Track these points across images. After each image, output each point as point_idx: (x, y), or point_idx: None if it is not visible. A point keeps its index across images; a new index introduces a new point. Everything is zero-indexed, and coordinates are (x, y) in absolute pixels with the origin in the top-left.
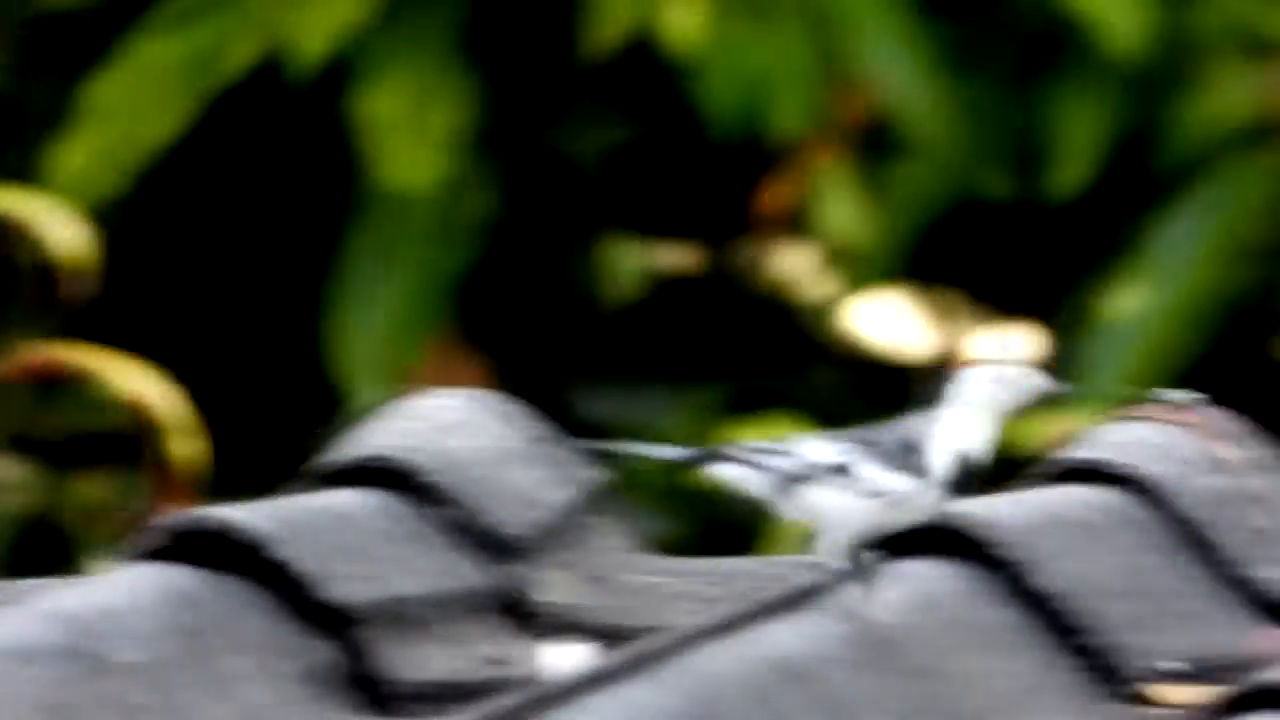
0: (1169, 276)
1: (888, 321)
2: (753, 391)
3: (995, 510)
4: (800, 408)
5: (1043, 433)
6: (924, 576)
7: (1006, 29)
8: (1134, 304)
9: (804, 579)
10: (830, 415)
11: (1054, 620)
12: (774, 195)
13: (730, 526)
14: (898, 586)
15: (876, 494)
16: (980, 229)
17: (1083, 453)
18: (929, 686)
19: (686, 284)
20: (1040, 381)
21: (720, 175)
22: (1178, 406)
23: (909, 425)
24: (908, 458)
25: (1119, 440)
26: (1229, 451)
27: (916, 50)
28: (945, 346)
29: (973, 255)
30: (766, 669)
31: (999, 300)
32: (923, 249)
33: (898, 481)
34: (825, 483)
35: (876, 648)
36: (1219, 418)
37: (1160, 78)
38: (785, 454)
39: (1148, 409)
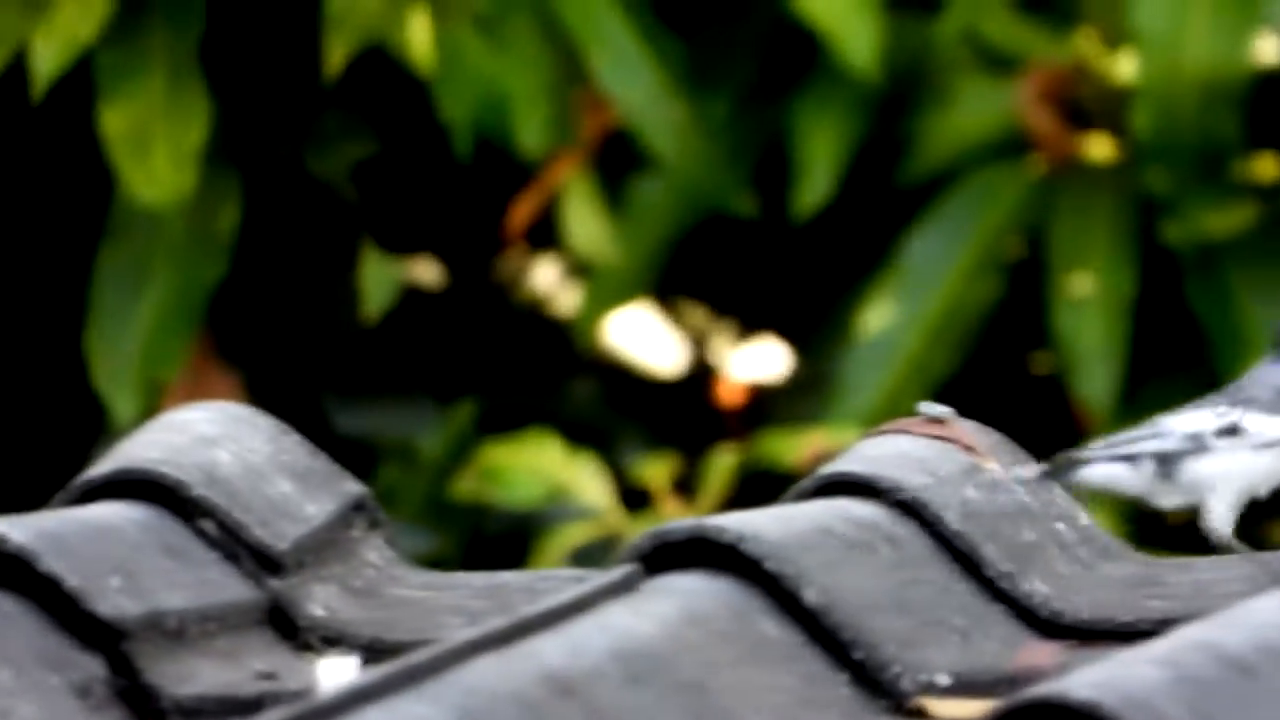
0: (921, 291)
1: (640, 336)
2: (509, 406)
3: (761, 524)
4: (556, 422)
5: (804, 447)
6: (692, 590)
7: (749, 45)
8: (887, 319)
9: (572, 593)
10: (585, 430)
11: (822, 635)
12: (521, 211)
13: (498, 540)
14: (666, 600)
15: (1271, 444)
16: (731, 245)
17: (845, 467)
18: (698, 701)
19: (442, 298)
20: None
21: (473, 190)
22: (938, 420)
23: (1267, 372)
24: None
25: (881, 455)
26: (991, 465)
27: (655, 66)
28: (698, 362)
29: (724, 271)
30: (536, 683)
31: (752, 316)
32: (674, 264)
33: None
34: (1214, 449)
35: (645, 661)
36: (980, 431)
37: (904, 92)
38: (1155, 436)
39: (908, 423)
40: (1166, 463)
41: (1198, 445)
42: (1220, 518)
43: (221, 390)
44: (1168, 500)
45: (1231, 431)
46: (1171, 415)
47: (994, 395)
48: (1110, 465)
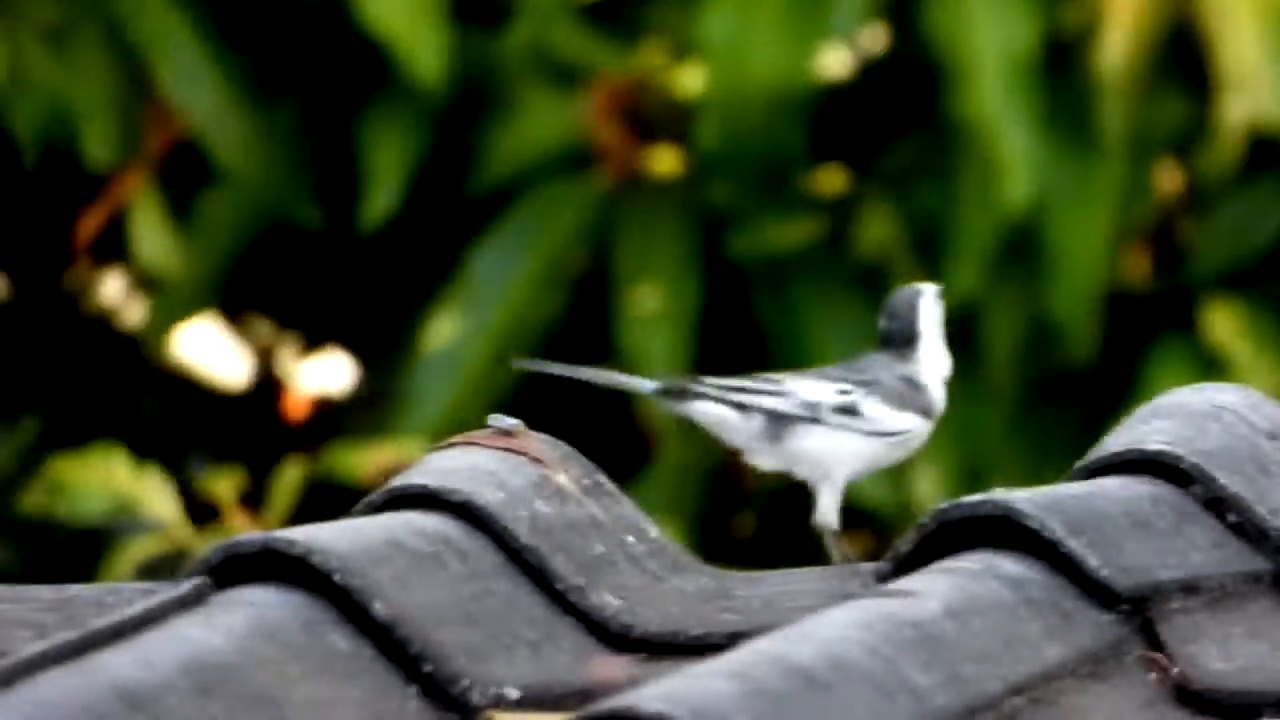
0: (487, 304)
1: (208, 350)
2: (76, 420)
3: (331, 537)
4: (123, 436)
5: (373, 460)
6: (262, 603)
7: (316, 57)
8: (454, 332)
9: (141, 606)
10: (153, 444)
11: (392, 648)
12: (89, 223)
13: (65, 553)
14: (235, 613)
15: (882, 434)
16: (299, 258)
17: (415, 480)
18: (269, 714)
19: (7, 311)
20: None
21: (41, 203)
22: (507, 433)
23: (905, 362)
24: (914, 396)
25: (451, 468)
26: (560, 478)
27: (221, 79)
28: (265, 374)
29: (292, 284)
30: (106, 696)
31: (320, 329)
32: (242, 277)
33: (904, 420)
34: (826, 423)
35: (215, 674)
36: (549, 444)
37: (472, 104)
38: (776, 393)
39: (478, 436)
40: (777, 423)
41: (812, 415)
42: (829, 510)
43: None
44: (765, 461)
45: (849, 411)
46: (795, 376)
47: (563, 409)
48: (721, 408)
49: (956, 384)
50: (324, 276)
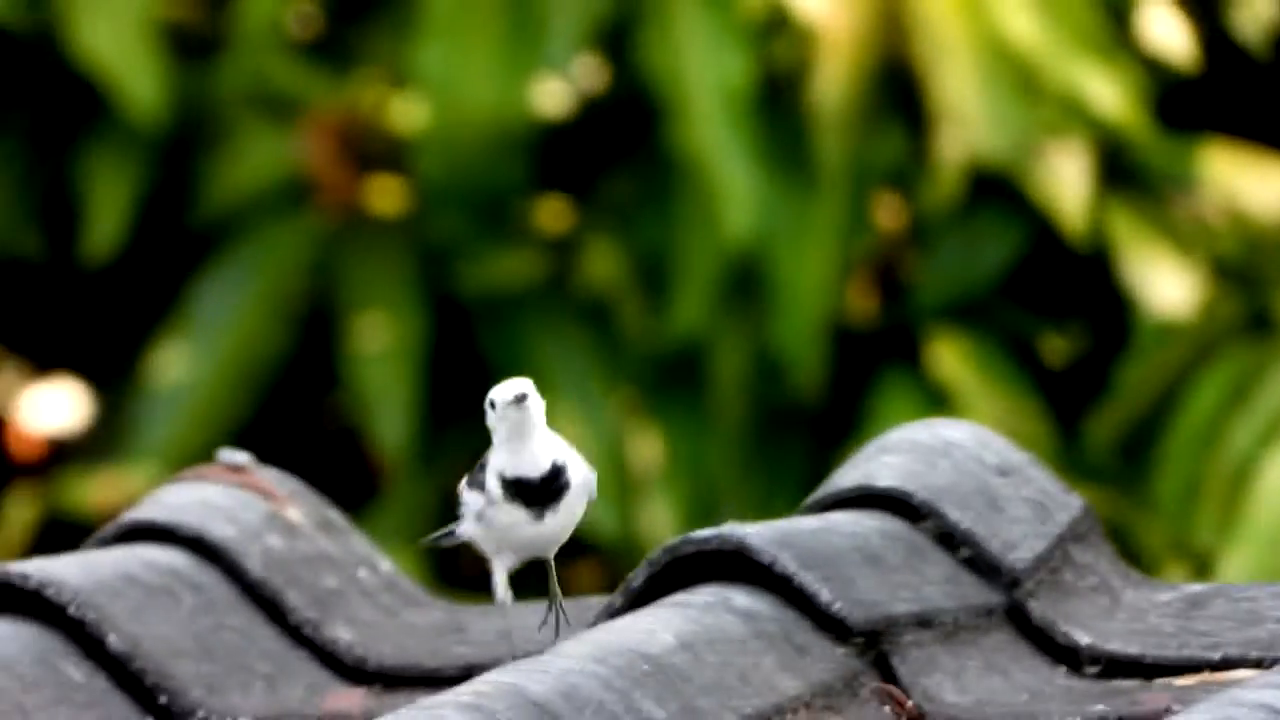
0: (213, 337)
1: None
2: None
3: (64, 571)
4: None
5: (103, 492)
6: None
7: (32, 90)
8: (180, 364)
9: None
10: None
11: (128, 680)
12: None
13: None
14: None
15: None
16: (26, 287)
17: (147, 514)
18: None
19: None
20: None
21: None
22: (237, 468)
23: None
24: (478, 476)
25: (182, 502)
26: (290, 512)
27: None
28: None
29: (18, 314)
30: None
31: (47, 359)
32: None
33: (472, 498)
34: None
35: None
36: (280, 478)
37: (188, 139)
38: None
39: (208, 470)
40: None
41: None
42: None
43: None
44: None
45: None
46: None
47: (292, 442)
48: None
49: (685, 417)
50: (52, 307)
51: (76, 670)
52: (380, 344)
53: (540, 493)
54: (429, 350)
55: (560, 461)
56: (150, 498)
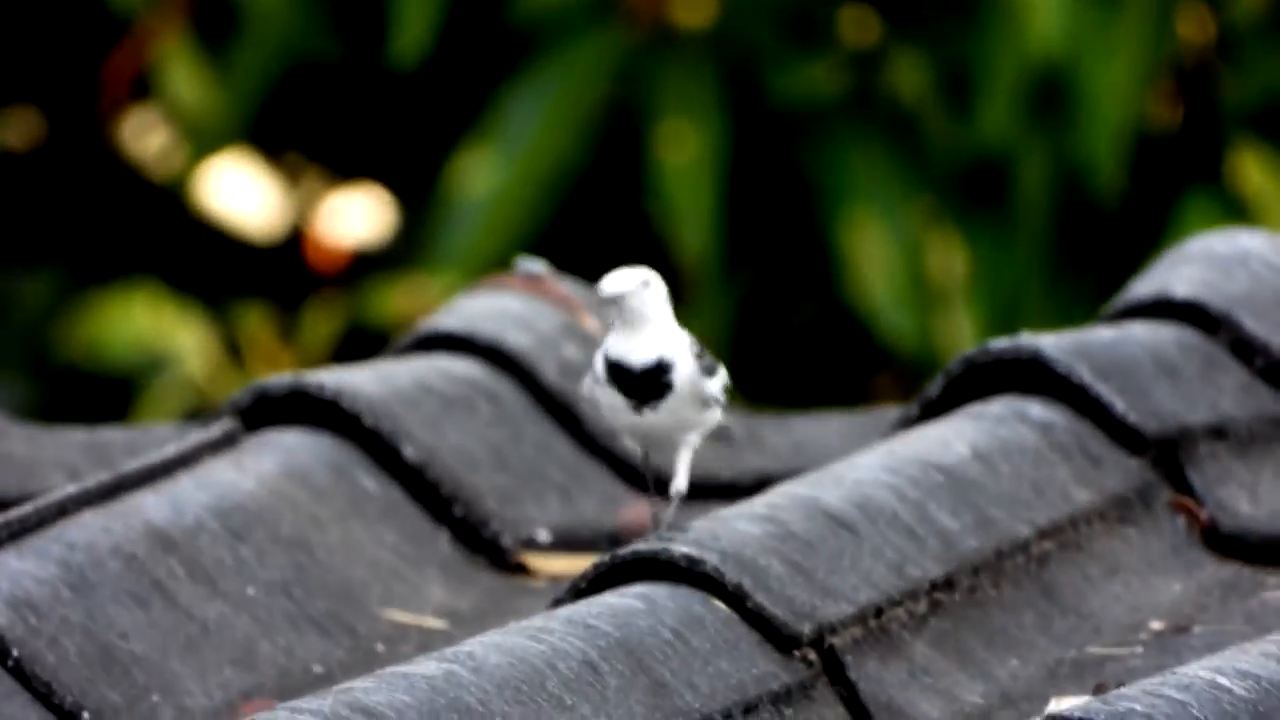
0: (517, 146)
1: (238, 189)
2: (110, 261)
3: (360, 380)
4: (156, 277)
5: (403, 304)
6: (291, 446)
7: None
8: (484, 173)
9: (173, 449)
10: (186, 285)
11: (422, 491)
12: (119, 66)
13: (98, 395)
14: (266, 456)
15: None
16: (331, 96)
17: (444, 323)
18: (300, 556)
19: (37, 155)
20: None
21: (70, 47)
22: (535, 277)
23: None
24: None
25: (480, 311)
26: (590, 322)
27: None
28: (296, 214)
29: (325, 124)
30: (138, 538)
31: (352, 169)
32: (273, 117)
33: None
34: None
35: (246, 517)
36: (577, 287)
37: None
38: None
39: (505, 279)
40: None
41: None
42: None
43: None
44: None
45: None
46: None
47: (592, 252)
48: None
49: (986, 227)
50: (358, 117)
51: (371, 481)
52: (685, 153)
53: (638, 385)
54: (733, 161)
55: (667, 359)
56: (448, 307)
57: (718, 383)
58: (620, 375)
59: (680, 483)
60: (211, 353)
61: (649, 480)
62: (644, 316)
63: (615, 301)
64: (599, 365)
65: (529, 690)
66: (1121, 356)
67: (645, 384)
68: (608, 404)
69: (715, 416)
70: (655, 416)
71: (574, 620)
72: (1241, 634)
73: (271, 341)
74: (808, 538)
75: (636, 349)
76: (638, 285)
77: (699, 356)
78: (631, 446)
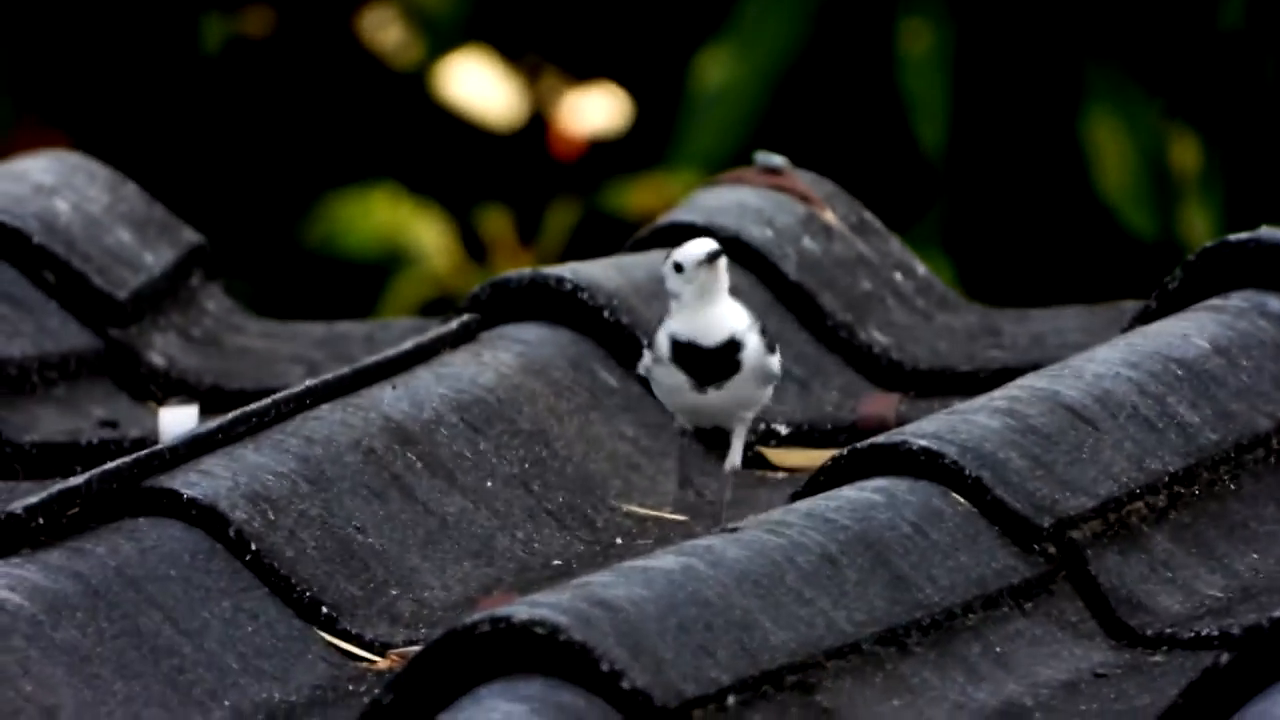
0: (756, 41)
1: (477, 85)
2: (353, 159)
3: (599, 274)
4: (397, 173)
5: (643, 198)
6: (530, 340)
7: None
8: (722, 69)
9: (412, 342)
10: (426, 180)
11: None
12: None
13: (338, 290)
14: (504, 349)
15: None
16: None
17: (683, 216)
18: (539, 449)
19: (277, 47)
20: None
21: None
22: (774, 170)
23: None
24: (654, 333)
25: (719, 205)
26: (829, 215)
27: None
28: (534, 110)
29: (563, 20)
30: (377, 431)
31: (591, 65)
32: (513, 13)
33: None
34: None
35: (485, 410)
36: (815, 181)
37: None
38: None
39: (744, 173)
40: None
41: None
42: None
43: (52, 143)
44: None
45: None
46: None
47: (831, 148)
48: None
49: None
50: (597, 11)
51: (610, 375)
52: (922, 49)
53: (709, 363)
54: (967, 58)
55: (739, 336)
56: (687, 201)
57: (777, 359)
58: (690, 355)
59: (735, 459)
60: (452, 249)
61: (681, 475)
62: (717, 291)
63: (711, 261)
64: (662, 344)
65: (767, 584)
66: None
67: (716, 363)
68: (667, 384)
69: (769, 394)
70: (717, 395)
71: (813, 514)
72: None
73: (511, 238)
74: (1047, 431)
75: (706, 328)
76: (720, 256)
77: (762, 333)
78: (682, 427)
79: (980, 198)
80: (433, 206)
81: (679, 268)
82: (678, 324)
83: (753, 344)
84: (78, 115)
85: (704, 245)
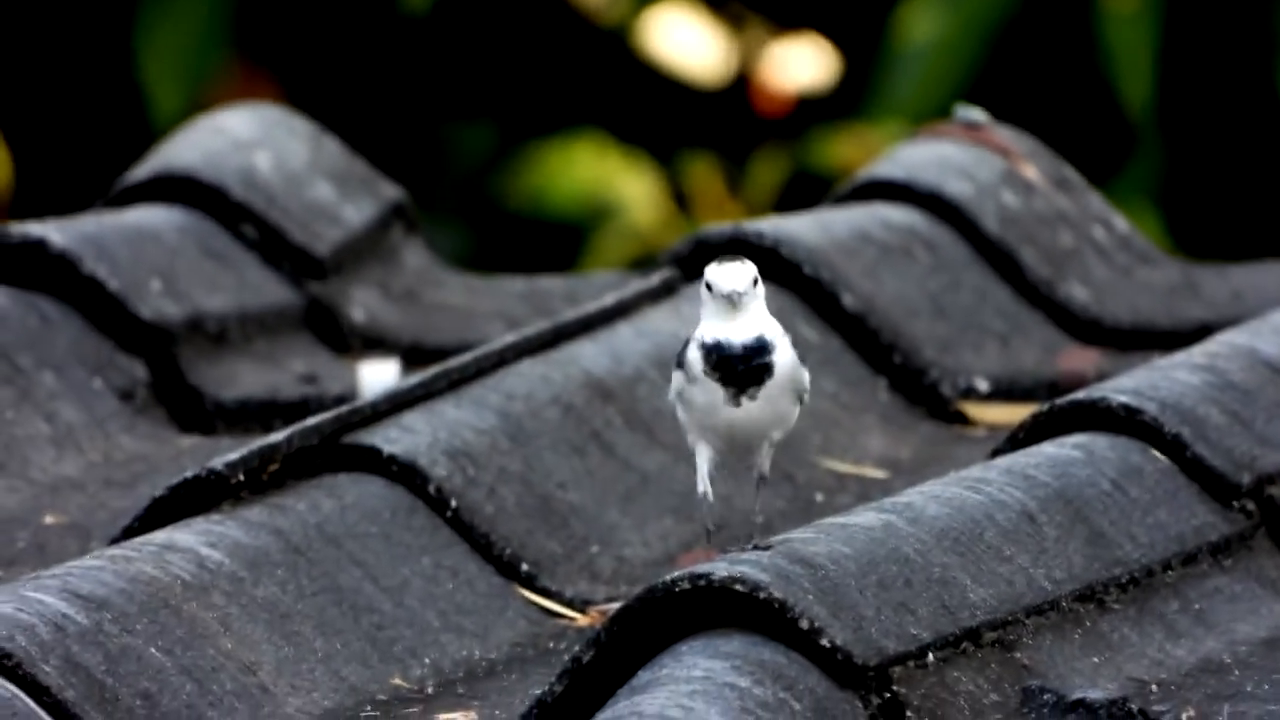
0: None
1: (682, 36)
2: (554, 109)
3: (799, 229)
4: (601, 125)
5: (847, 152)
6: None
7: None
8: (927, 23)
9: (612, 297)
10: (631, 133)
11: (861, 339)
12: None
13: (542, 243)
14: None
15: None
16: None
17: (883, 171)
18: None
19: (479, 4)
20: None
21: None
22: (974, 125)
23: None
24: (681, 353)
25: (919, 159)
26: (1029, 170)
27: None
28: (739, 61)
29: None
30: (577, 387)
31: (795, 19)
32: None
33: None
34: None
35: None
36: (1015, 136)
37: None
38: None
39: (944, 128)
40: None
41: None
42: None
43: (261, 94)
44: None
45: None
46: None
47: (1033, 102)
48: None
49: None
50: None
51: (810, 329)
52: (1131, 6)
53: (741, 362)
54: (1175, 13)
55: (768, 339)
56: (888, 155)
57: (806, 374)
58: (721, 357)
59: (764, 466)
60: (658, 202)
61: (707, 522)
62: (748, 309)
63: (730, 297)
64: (694, 359)
65: (967, 541)
66: None
67: (747, 363)
68: (703, 401)
69: (797, 414)
70: (752, 407)
71: (1013, 470)
72: None
73: (718, 190)
74: (1246, 387)
75: (735, 330)
76: (751, 281)
77: (794, 345)
78: (704, 464)
79: (1188, 151)
80: (639, 160)
81: (709, 288)
82: (705, 332)
83: (785, 349)
84: (287, 63)
85: (734, 280)
